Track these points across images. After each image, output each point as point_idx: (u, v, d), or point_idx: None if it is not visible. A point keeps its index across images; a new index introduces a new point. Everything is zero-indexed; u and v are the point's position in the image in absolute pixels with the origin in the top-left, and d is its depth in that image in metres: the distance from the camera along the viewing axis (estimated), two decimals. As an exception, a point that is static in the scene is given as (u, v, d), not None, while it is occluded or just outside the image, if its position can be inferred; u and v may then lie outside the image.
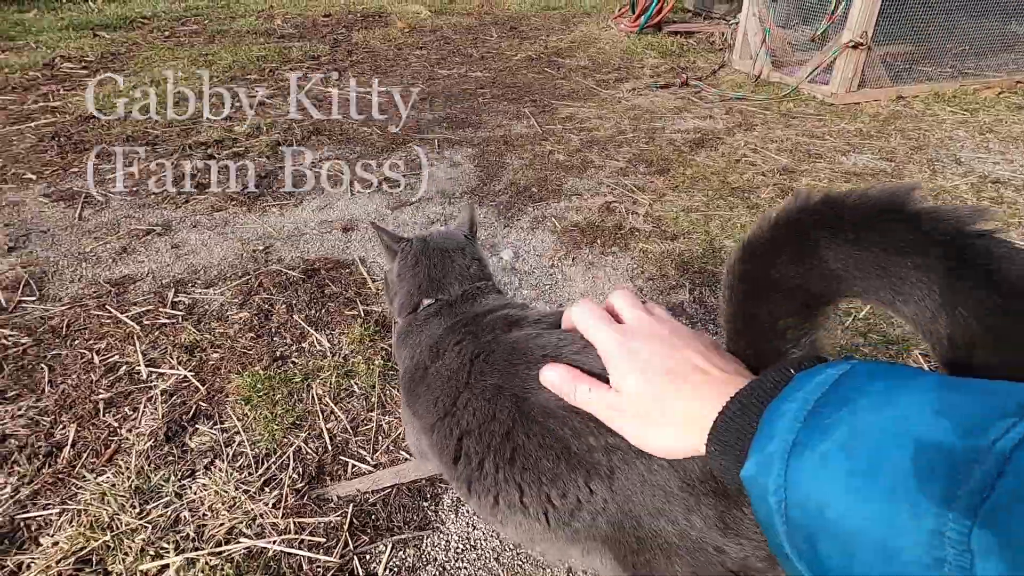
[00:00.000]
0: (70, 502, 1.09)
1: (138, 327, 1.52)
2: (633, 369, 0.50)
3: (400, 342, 0.95)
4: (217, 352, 1.45)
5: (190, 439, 1.22)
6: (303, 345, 1.48)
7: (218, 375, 1.38)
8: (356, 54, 4.09)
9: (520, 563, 1.02)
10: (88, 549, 1.00)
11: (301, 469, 1.17)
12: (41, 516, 1.06)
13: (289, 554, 1.01)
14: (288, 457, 1.19)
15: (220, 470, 1.15)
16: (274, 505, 1.09)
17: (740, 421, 0.40)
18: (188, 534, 1.03)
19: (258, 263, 1.81)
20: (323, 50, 4.12)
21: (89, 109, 2.88)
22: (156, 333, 1.51)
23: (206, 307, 1.62)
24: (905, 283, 0.39)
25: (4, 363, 1.40)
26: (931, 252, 0.37)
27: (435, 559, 1.02)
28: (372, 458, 1.20)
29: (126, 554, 0.99)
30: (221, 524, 1.05)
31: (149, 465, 1.16)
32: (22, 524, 1.05)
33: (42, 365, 1.40)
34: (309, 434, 1.24)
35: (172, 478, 1.13)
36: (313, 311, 1.60)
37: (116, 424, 1.25)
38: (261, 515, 1.07)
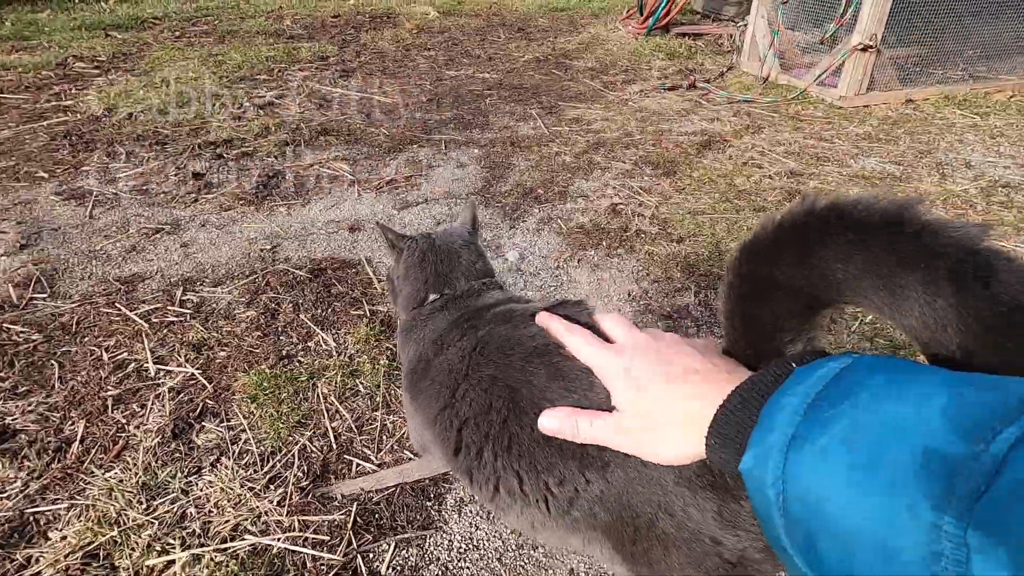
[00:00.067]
0: (78, 497, 1.10)
1: (146, 325, 1.54)
2: (630, 383, 0.50)
3: (404, 337, 0.96)
4: (224, 350, 1.46)
5: (197, 436, 1.23)
6: (309, 344, 1.49)
7: (225, 373, 1.39)
8: (364, 55, 4.11)
9: (522, 563, 1.02)
10: (96, 544, 1.01)
11: (306, 467, 1.17)
12: (50, 511, 1.08)
13: (293, 551, 1.02)
14: (293, 455, 1.20)
15: (226, 467, 1.16)
16: (279, 503, 1.10)
17: (740, 414, 0.40)
18: (194, 530, 1.04)
19: (265, 262, 1.83)
20: (332, 51, 4.15)
21: (94, 110, 2.91)
22: (164, 331, 1.53)
23: (214, 305, 1.63)
24: (905, 294, 0.39)
25: (15, 359, 1.41)
26: (934, 265, 0.37)
27: (438, 558, 1.03)
28: (376, 457, 1.21)
29: (133, 549, 1.00)
30: (226, 521, 1.06)
31: (156, 462, 1.17)
32: (31, 518, 1.06)
33: (52, 361, 1.41)
34: (314, 433, 1.25)
35: (179, 475, 1.15)
36: (319, 310, 1.61)
37: (124, 420, 1.27)
38: (266, 512, 1.08)
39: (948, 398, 0.30)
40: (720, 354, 0.51)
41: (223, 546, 1.02)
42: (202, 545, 1.02)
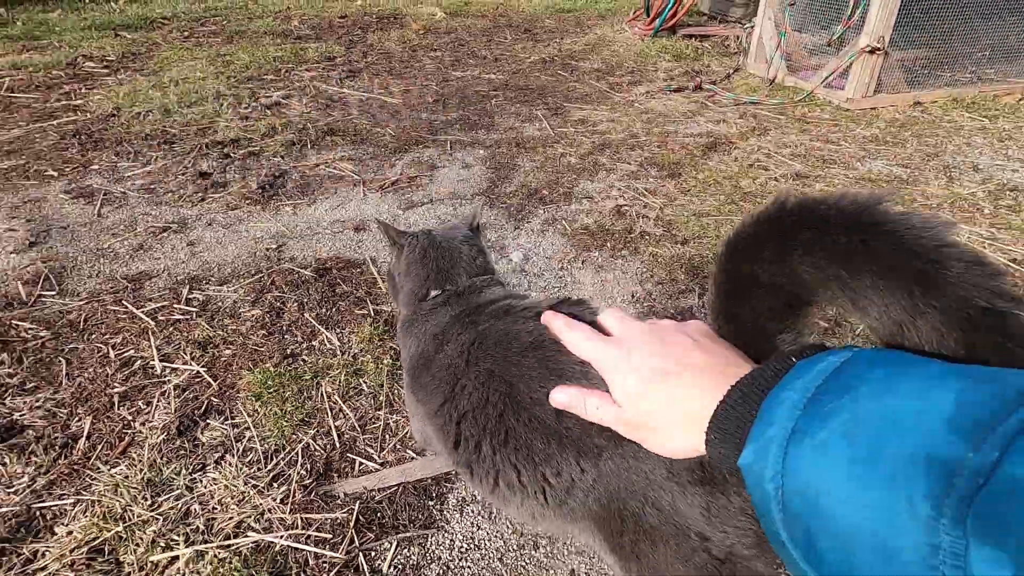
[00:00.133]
0: (84, 493, 1.11)
1: (153, 322, 1.55)
2: (627, 379, 0.50)
3: (405, 331, 0.97)
4: (229, 348, 1.47)
5: (201, 434, 1.24)
6: (313, 343, 1.50)
7: (230, 371, 1.40)
8: (371, 55, 4.13)
9: (524, 564, 1.03)
10: (101, 539, 1.02)
11: (309, 466, 1.18)
12: (56, 506, 1.09)
13: (296, 549, 1.02)
14: (297, 453, 1.20)
15: (230, 465, 1.17)
16: (282, 500, 1.11)
17: (740, 410, 0.40)
18: (198, 527, 1.05)
19: (271, 261, 1.84)
20: (338, 51, 4.16)
21: (103, 109, 2.94)
22: (170, 329, 1.54)
23: (219, 304, 1.64)
24: (867, 295, 0.39)
25: (24, 355, 1.43)
26: (896, 264, 0.37)
27: (439, 558, 1.03)
28: (379, 456, 1.21)
29: (137, 545, 1.01)
30: (230, 518, 1.07)
31: (161, 458, 1.18)
32: (38, 513, 1.08)
33: (60, 358, 1.43)
34: (318, 431, 1.26)
35: (183, 472, 1.15)
36: (324, 310, 1.62)
37: (130, 417, 1.28)
38: (269, 510, 1.09)
39: (947, 391, 0.30)
40: (716, 340, 0.50)
41: (226, 543, 1.02)
42: (206, 542, 1.03)
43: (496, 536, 1.07)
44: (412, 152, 2.63)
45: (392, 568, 1.01)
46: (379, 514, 1.10)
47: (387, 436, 1.26)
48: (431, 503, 1.12)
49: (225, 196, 2.23)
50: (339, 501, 1.12)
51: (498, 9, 5.83)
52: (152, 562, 0.99)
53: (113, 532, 1.03)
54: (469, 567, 1.02)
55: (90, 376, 1.38)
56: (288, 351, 1.47)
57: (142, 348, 1.47)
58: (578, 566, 1.03)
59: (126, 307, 1.61)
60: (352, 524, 1.07)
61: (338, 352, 1.47)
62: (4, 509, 1.07)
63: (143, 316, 1.57)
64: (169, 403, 1.31)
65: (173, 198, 2.21)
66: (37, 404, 1.30)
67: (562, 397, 0.60)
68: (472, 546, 1.05)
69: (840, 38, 3.16)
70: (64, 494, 1.11)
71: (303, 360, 1.44)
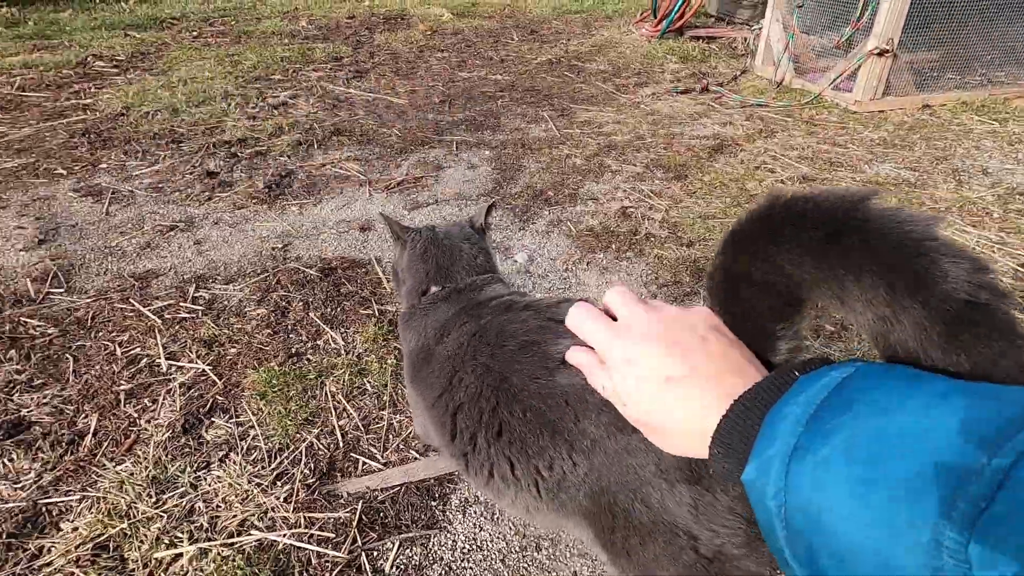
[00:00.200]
0: (90, 489, 1.12)
1: (159, 321, 1.56)
2: (627, 379, 0.48)
3: (406, 325, 0.99)
4: (234, 347, 1.48)
5: (206, 432, 1.25)
6: (318, 343, 1.51)
7: (235, 370, 1.41)
8: (378, 56, 4.14)
9: (525, 565, 1.02)
10: (106, 536, 1.03)
11: (313, 465, 1.18)
12: (62, 502, 1.10)
13: (299, 548, 1.03)
14: (300, 452, 1.21)
15: (234, 463, 1.17)
16: (285, 499, 1.11)
17: (743, 425, 0.40)
18: (202, 524, 1.06)
19: (276, 261, 1.85)
20: (346, 51, 4.18)
21: (112, 108, 2.96)
22: (176, 327, 1.55)
23: (225, 303, 1.65)
24: (851, 288, 0.39)
25: (32, 352, 1.44)
26: (874, 259, 0.37)
27: (441, 558, 1.03)
28: (382, 456, 1.21)
29: (142, 542, 1.02)
30: (234, 516, 1.07)
31: (166, 456, 1.19)
32: (44, 509, 1.08)
33: (67, 355, 1.44)
34: (321, 430, 1.26)
35: (188, 469, 1.16)
36: (329, 309, 1.63)
37: (136, 415, 1.29)
38: (273, 508, 1.09)
39: (951, 408, 0.29)
40: (721, 334, 0.48)
41: (230, 541, 1.03)
42: (209, 539, 1.03)
43: (498, 537, 1.07)
44: (418, 152, 2.64)
45: (394, 568, 1.01)
46: (382, 514, 1.10)
47: (390, 436, 1.26)
48: (434, 504, 1.12)
49: (232, 195, 2.24)
50: (342, 500, 1.12)
51: (505, 10, 5.84)
52: (156, 559, 1.00)
53: (118, 529, 1.04)
54: (471, 568, 1.02)
55: (97, 373, 1.39)
56: (293, 350, 1.47)
57: (148, 346, 1.48)
58: (580, 568, 1.02)
59: (133, 305, 1.62)
60: (355, 524, 1.07)
61: (342, 352, 1.47)
62: (11, 505, 1.08)
63: (150, 314, 1.58)
64: (174, 401, 1.32)
65: (180, 197, 2.22)
66: (44, 401, 1.31)
67: (579, 357, 0.56)
68: (474, 547, 1.05)
69: (848, 40, 3.15)
70: (70, 490, 1.12)
71: (308, 359, 1.45)
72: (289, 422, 1.27)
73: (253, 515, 1.08)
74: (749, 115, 3.09)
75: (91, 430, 1.24)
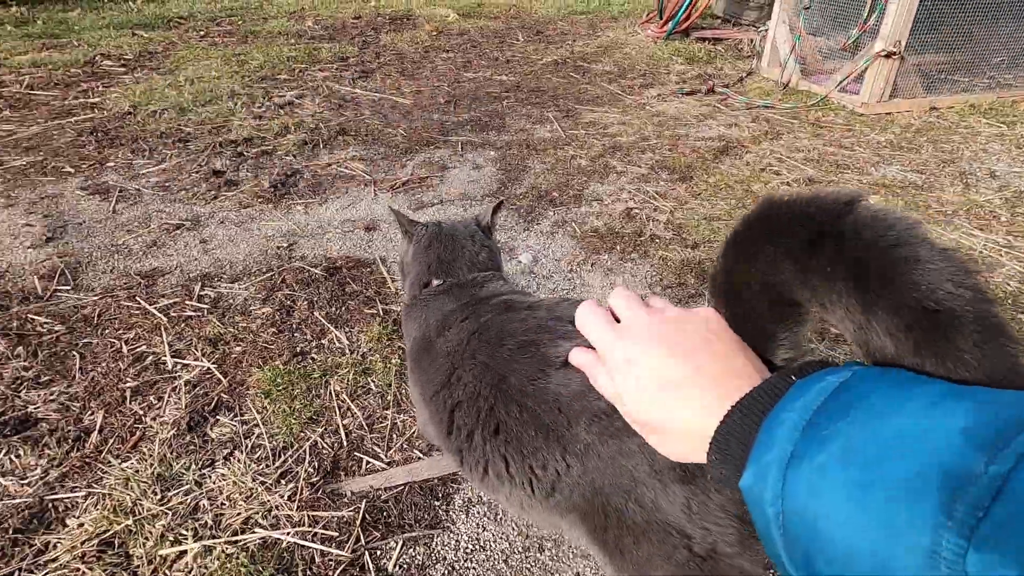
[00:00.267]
0: (96, 486, 1.13)
1: (165, 319, 1.57)
2: (627, 384, 0.48)
3: (408, 316, 1.01)
4: (240, 346, 1.49)
5: (211, 430, 1.26)
6: (323, 342, 1.51)
7: (240, 368, 1.42)
8: (384, 56, 4.15)
9: (528, 566, 1.02)
10: (111, 532, 1.03)
11: (317, 463, 1.19)
12: (68, 498, 1.11)
13: (302, 546, 1.03)
14: (304, 451, 1.21)
15: (239, 461, 1.18)
16: (289, 497, 1.11)
17: (740, 430, 0.40)
18: (206, 522, 1.06)
19: (282, 260, 1.85)
20: (352, 51, 4.19)
21: (120, 107, 2.98)
22: (182, 325, 1.56)
23: (230, 301, 1.66)
24: (829, 297, 0.39)
25: (39, 349, 1.45)
26: (848, 269, 0.37)
27: (444, 558, 1.03)
28: (386, 455, 1.22)
29: (147, 539, 1.03)
30: (238, 514, 1.08)
31: (171, 453, 1.20)
32: (50, 505, 1.09)
33: (74, 352, 1.45)
34: (325, 429, 1.26)
35: (193, 467, 1.17)
36: (333, 308, 1.63)
37: (141, 412, 1.29)
38: (276, 507, 1.09)
39: (949, 411, 0.29)
40: (722, 335, 0.48)
41: (234, 539, 1.03)
42: (214, 537, 1.04)
43: (501, 538, 1.07)
44: (423, 153, 2.64)
45: (397, 567, 1.02)
46: (385, 513, 1.10)
47: (394, 435, 1.26)
48: (437, 503, 1.13)
49: (238, 194, 2.25)
50: (346, 499, 1.12)
51: (511, 11, 5.84)
52: (161, 556, 1.00)
53: (123, 525, 1.04)
54: (474, 568, 1.02)
55: (103, 371, 1.40)
56: (297, 349, 1.48)
57: (154, 344, 1.48)
58: (583, 570, 1.02)
59: (139, 303, 1.63)
60: (358, 523, 1.07)
61: (347, 351, 1.48)
62: (18, 500, 1.09)
63: (156, 312, 1.59)
64: (180, 399, 1.33)
65: (187, 196, 2.23)
66: (51, 397, 1.32)
67: (581, 358, 0.57)
68: (477, 547, 1.05)
69: (855, 42, 3.13)
70: (76, 487, 1.13)
71: (312, 358, 1.45)
72: (293, 421, 1.27)
73: (257, 513, 1.08)
74: (755, 117, 3.08)
75: (97, 427, 1.25)
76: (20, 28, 4.47)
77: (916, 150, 2.66)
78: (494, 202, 1.18)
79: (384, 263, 1.85)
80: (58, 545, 1.02)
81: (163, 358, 1.44)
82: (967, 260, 0.35)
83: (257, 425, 1.27)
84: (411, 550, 1.04)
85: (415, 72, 3.83)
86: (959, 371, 0.34)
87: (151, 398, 1.33)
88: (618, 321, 0.53)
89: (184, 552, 1.01)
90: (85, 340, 1.49)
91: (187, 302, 1.64)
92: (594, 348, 0.54)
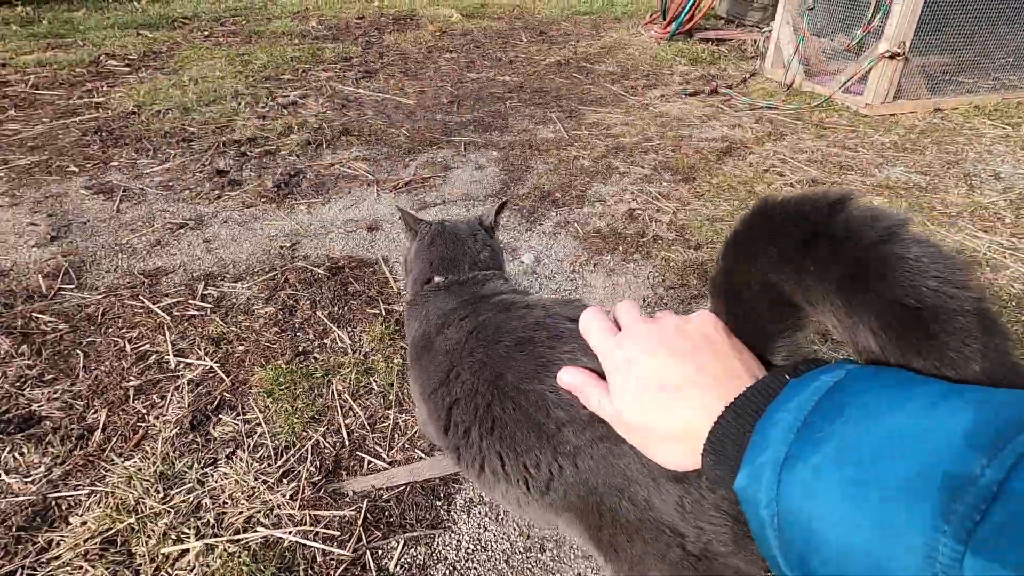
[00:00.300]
0: (99, 484, 1.13)
1: (168, 318, 1.58)
2: (627, 385, 0.48)
3: (409, 312, 1.02)
4: (242, 345, 1.49)
5: (214, 428, 1.26)
6: (325, 341, 1.51)
7: (242, 367, 1.42)
8: (387, 56, 4.16)
9: (529, 567, 1.02)
10: (114, 530, 1.04)
11: (318, 463, 1.19)
12: (71, 496, 1.11)
13: (304, 545, 1.03)
14: (306, 450, 1.21)
15: (241, 460, 1.18)
16: (291, 497, 1.11)
17: (735, 431, 0.39)
18: (208, 521, 1.06)
19: (285, 259, 1.86)
20: (355, 52, 4.20)
21: (124, 107, 2.99)
22: (185, 324, 1.56)
23: (233, 301, 1.66)
24: (820, 297, 0.38)
25: (43, 348, 1.46)
26: (835, 270, 0.37)
27: (446, 558, 1.03)
28: (388, 455, 1.22)
29: (149, 537, 1.03)
30: (240, 512, 1.08)
31: (174, 452, 1.20)
32: (54, 503, 1.10)
33: (77, 351, 1.45)
34: (327, 429, 1.27)
35: (195, 466, 1.17)
36: (336, 308, 1.63)
37: (144, 411, 1.30)
38: (278, 506, 1.10)
39: (943, 414, 0.29)
40: (719, 338, 0.48)
41: (236, 537, 1.04)
42: (216, 536, 1.04)
43: (503, 538, 1.07)
44: (426, 153, 2.64)
45: (398, 567, 1.02)
46: (387, 513, 1.10)
47: (396, 435, 1.26)
48: (438, 503, 1.13)
49: (241, 194, 2.26)
50: (347, 499, 1.12)
51: (514, 11, 5.85)
52: (163, 554, 1.00)
53: (126, 523, 1.05)
54: (475, 568, 1.02)
55: (106, 369, 1.40)
56: (300, 348, 1.48)
57: (157, 343, 1.49)
58: (584, 570, 1.02)
59: (143, 302, 1.63)
60: (360, 522, 1.08)
61: (349, 350, 1.48)
62: (21, 498, 1.10)
63: (159, 311, 1.60)
64: (183, 398, 1.33)
65: (190, 195, 2.24)
66: (55, 396, 1.32)
67: (570, 379, 0.58)
68: (479, 547, 1.05)
69: (859, 43, 3.13)
70: (79, 485, 1.13)
71: (315, 358, 1.46)
72: (296, 420, 1.27)
73: (259, 512, 1.08)
74: (758, 118, 3.07)
75: (100, 425, 1.25)
76: (25, 28, 4.50)
77: (920, 151, 2.66)
78: (498, 202, 1.19)
79: (387, 263, 1.85)
80: (61, 543, 1.02)
81: (166, 357, 1.44)
82: (955, 257, 0.34)
83: (259, 424, 1.27)
84: (412, 550, 1.04)
85: (418, 72, 3.83)
86: (945, 370, 0.33)
87: (154, 397, 1.34)
88: (619, 329, 0.53)
89: (186, 550, 1.01)
90: (89, 339, 1.50)
91: (190, 301, 1.65)
92: (593, 353, 0.54)
